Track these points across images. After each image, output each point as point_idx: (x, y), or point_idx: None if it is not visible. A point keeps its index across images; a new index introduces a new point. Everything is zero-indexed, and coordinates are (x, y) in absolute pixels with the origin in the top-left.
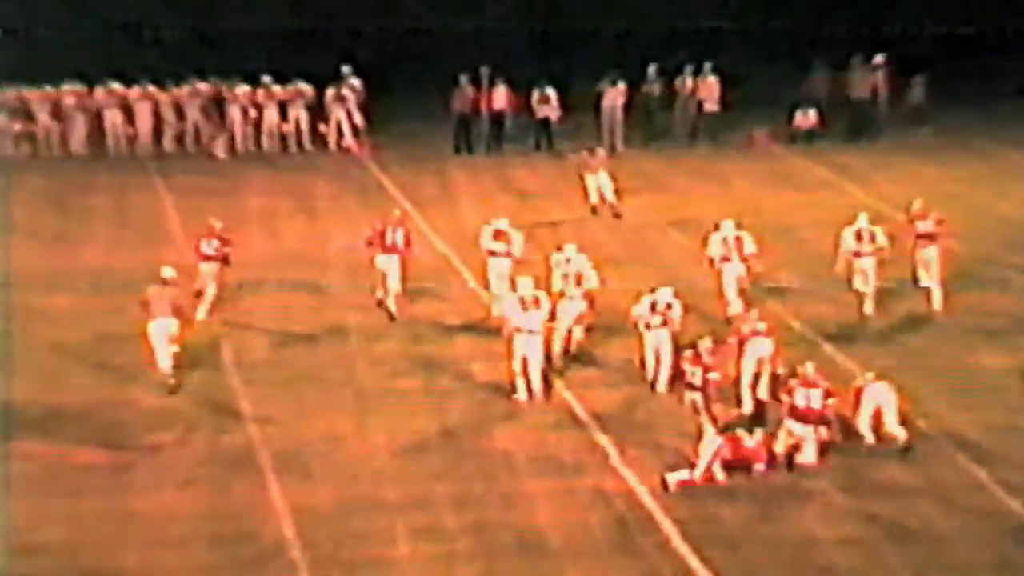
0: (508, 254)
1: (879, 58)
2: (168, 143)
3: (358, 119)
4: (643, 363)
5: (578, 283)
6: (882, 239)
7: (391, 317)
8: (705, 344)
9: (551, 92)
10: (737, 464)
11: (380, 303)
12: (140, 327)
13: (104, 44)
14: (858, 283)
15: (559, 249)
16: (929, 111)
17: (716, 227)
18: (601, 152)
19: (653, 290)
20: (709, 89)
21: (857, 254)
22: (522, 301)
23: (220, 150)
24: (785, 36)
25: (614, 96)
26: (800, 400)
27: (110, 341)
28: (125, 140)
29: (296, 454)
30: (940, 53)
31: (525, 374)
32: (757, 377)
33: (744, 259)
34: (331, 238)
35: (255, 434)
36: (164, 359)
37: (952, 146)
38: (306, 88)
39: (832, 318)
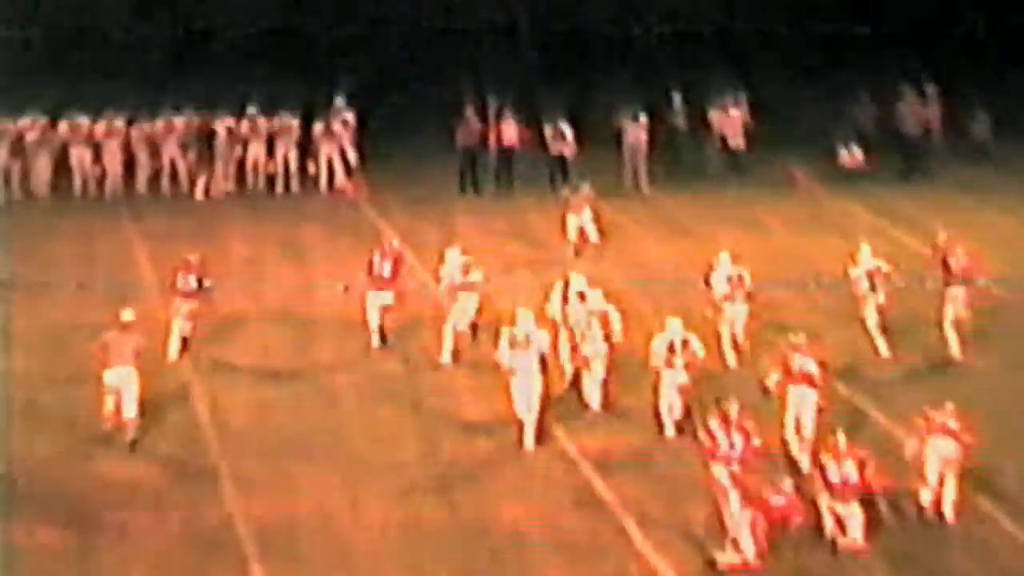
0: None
1: (931, 88)
2: (141, 183)
3: (352, 156)
4: (657, 412)
5: (603, 326)
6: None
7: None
8: (734, 406)
9: (566, 127)
10: (775, 529)
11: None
12: (96, 377)
13: (71, 70)
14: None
15: (567, 284)
16: (992, 148)
17: (710, 266)
18: (585, 189)
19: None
20: (732, 123)
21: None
22: (512, 340)
23: (202, 191)
24: (827, 62)
25: (636, 131)
26: (833, 476)
27: (74, 406)
28: (93, 180)
29: (281, 533)
30: (1000, 82)
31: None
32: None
33: (748, 297)
34: (321, 290)
35: (235, 509)
36: (129, 406)
37: (1015, 186)
38: (292, 122)
39: (883, 378)
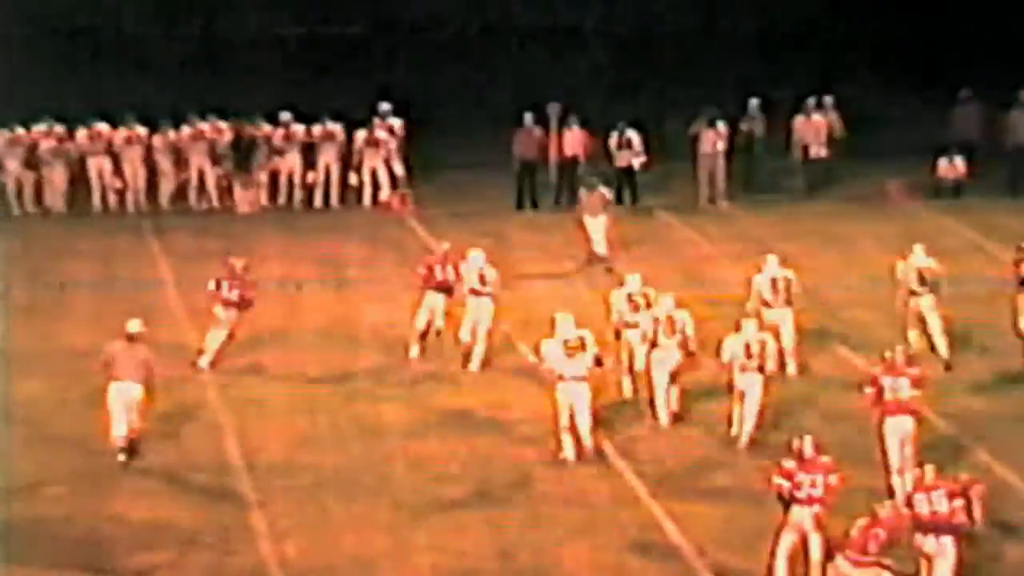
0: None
1: None
2: (165, 197)
3: (398, 168)
4: (731, 420)
5: (671, 331)
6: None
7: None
8: (808, 441)
9: (633, 135)
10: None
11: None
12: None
13: (87, 74)
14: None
15: (621, 284)
16: None
17: (758, 269)
18: (603, 191)
19: (738, 326)
20: (816, 130)
21: (913, 292)
22: (565, 345)
23: (246, 205)
24: (927, 62)
25: (713, 140)
26: (922, 508)
27: (93, 439)
28: (113, 193)
29: None
30: None
31: (573, 429)
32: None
33: (789, 302)
34: (364, 313)
35: (268, 555)
36: (120, 425)
37: None
38: (336, 129)
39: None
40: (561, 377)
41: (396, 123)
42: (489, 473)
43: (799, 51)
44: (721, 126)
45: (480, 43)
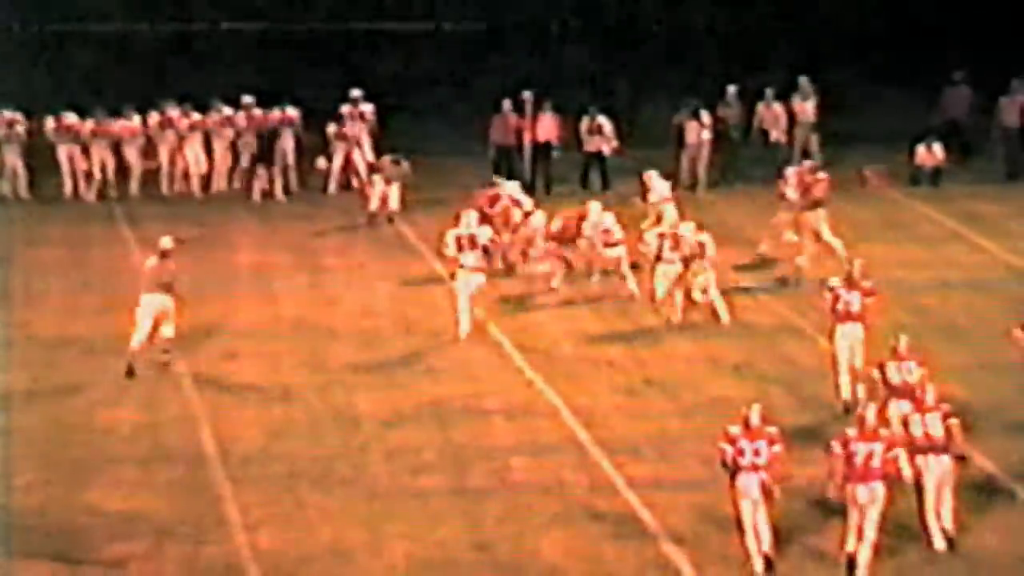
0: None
1: None
2: (135, 185)
3: (370, 154)
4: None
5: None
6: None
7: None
8: (755, 410)
9: (604, 121)
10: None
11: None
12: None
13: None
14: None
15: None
16: None
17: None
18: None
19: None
20: (774, 116)
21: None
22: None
23: (258, 193)
24: (910, 50)
25: (697, 130)
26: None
27: (65, 429)
28: (84, 180)
29: (294, 570)
30: None
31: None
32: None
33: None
34: (339, 302)
35: (243, 545)
36: (141, 334)
37: None
38: (294, 115)
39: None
40: (461, 266)
41: (368, 109)
42: (465, 463)
43: (780, 38)
44: (705, 116)
45: (461, 35)
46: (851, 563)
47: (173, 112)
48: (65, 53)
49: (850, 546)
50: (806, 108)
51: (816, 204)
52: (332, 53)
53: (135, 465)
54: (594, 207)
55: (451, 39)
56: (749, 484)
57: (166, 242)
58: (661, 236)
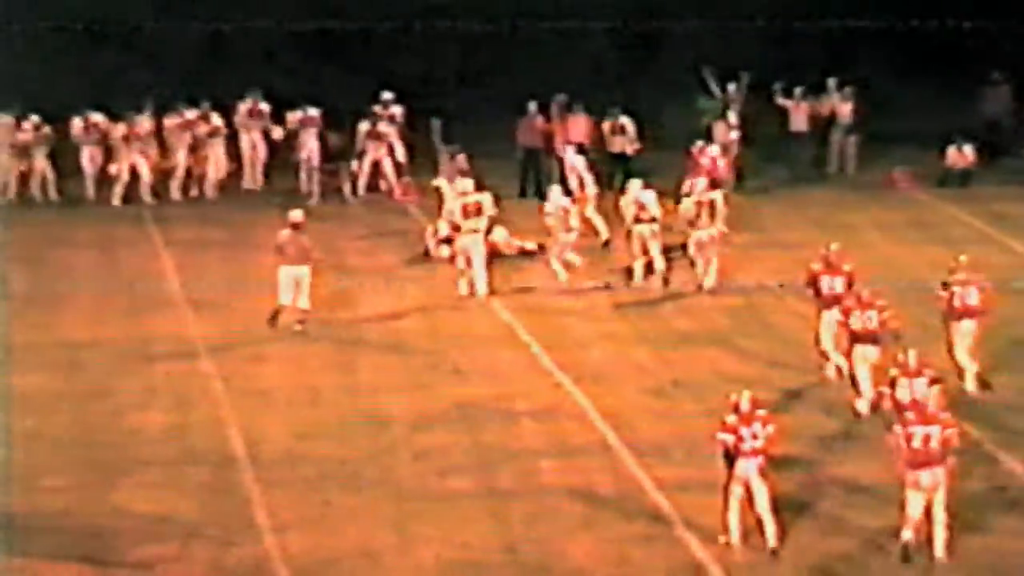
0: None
1: None
2: (175, 190)
3: (401, 155)
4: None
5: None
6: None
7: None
8: (745, 396)
9: (627, 121)
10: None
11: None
12: (271, 272)
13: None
14: None
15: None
16: None
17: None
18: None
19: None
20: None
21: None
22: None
23: (350, 191)
24: (944, 50)
25: (724, 130)
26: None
27: (93, 431)
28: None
29: (322, 572)
30: None
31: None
32: None
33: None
34: (367, 303)
35: (271, 546)
36: (286, 296)
37: None
38: (315, 116)
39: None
40: (458, 229)
41: (398, 111)
42: (493, 465)
43: (811, 38)
44: (732, 115)
45: (489, 37)
46: (906, 551)
47: (190, 114)
48: (91, 52)
49: (906, 535)
50: (844, 110)
51: None
52: (357, 54)
53: (163, 467)
54: (635, 183)
55: (476, 39)
56: (748, 468)
57: (296, 215)
58: (699, 204)
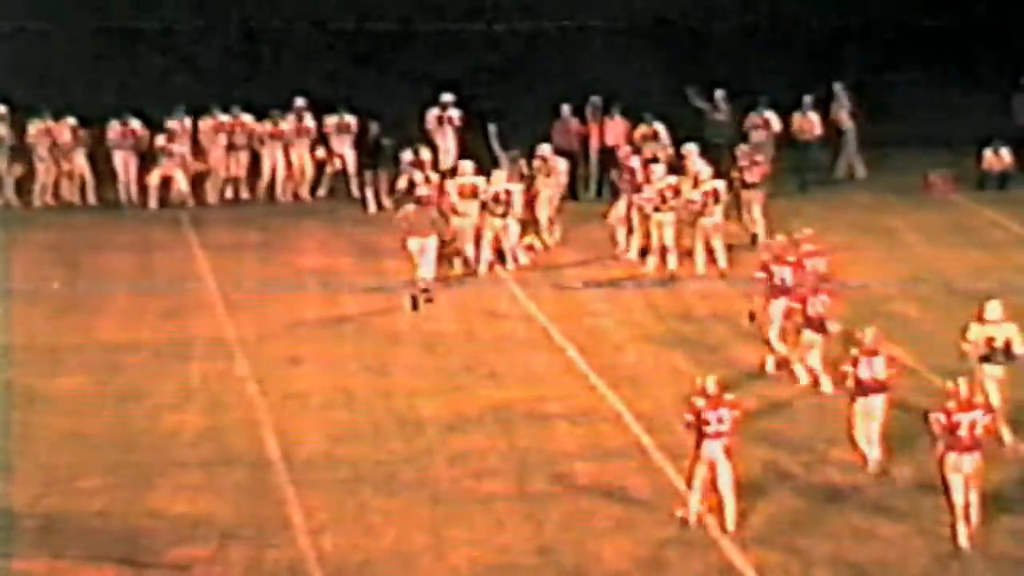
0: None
1: None
2: (212, 194)
3: (452, 159)
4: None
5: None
6: None
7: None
8: (711, 380)
9: (659, 126)
10: None
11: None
12: (400, 243)
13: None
14: None
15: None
16: None
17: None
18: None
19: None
20: (809, 123)
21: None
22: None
23: (373, 200)
24: (977, 53)
25: (761, 135)
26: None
27: (130, 433)
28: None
29: (357, 574)
30: None
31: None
32: None
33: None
34: (402, 306)
35: (306, 549)
36: (424, 268)
37: None
38: (352, 121)
39: None
40: (456, 212)
41: (455, 114)
42: (528, 468)
43: (847, 41)
44: (770, 114)
45: (527, 38)
46: (955, 534)
47: (223, 117)
48: (131, 56)
49: (957, 517)
50: (841, 117)
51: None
52: (393, 56)
53: (199, 469)
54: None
55: (513, 40)
56: (714, 449)
57: (423, 190)
58: (706, 194)
